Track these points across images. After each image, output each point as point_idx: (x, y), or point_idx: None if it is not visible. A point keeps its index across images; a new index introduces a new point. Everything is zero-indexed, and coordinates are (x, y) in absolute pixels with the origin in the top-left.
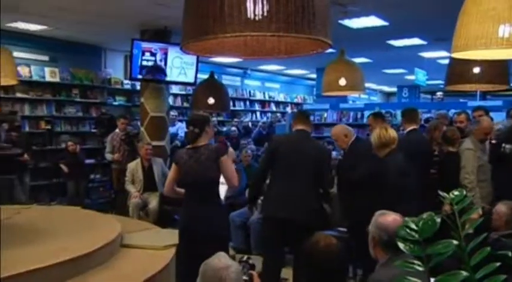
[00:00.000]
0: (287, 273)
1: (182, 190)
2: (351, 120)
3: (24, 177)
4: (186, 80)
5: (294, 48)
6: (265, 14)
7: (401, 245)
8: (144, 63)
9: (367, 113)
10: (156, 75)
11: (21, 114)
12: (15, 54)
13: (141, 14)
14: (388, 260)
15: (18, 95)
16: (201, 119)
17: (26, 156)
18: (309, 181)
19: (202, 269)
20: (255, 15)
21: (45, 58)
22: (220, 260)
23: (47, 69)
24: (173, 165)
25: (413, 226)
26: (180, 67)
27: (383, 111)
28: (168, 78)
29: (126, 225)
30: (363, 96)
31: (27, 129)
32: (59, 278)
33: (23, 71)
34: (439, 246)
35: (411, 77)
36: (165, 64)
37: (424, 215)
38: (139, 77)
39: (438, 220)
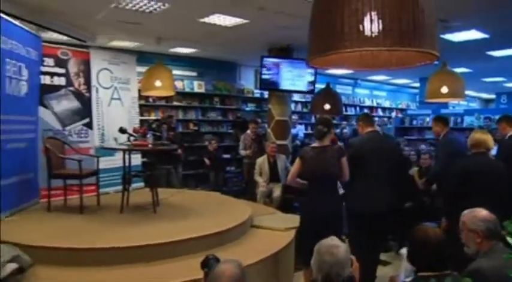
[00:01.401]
0: (389, 256)
1: (302, 181)
2: (451, 124)
3: (178, 168)
4: (303, 89)
5: (405, 60)
6: (380, 31)
7: (510, 240)
8: (266, 76)
9: (466, 118)
10: (272, 86)
11: (176, 118)
12: (174, 72)
13: (268, 36)
14: (489, 251)
15: (175, 103)
16: (328, 121)
17: (179, 151)
18: (390, 176)
19: (316, 247)
20: (371, 32)
21: (194, 74)
22: (333, 240)
23: (195, 83)
24: (298, 160)
25: None
26: (296, 78)
27: (482, 116)
28: (286, 88)
29: (255, 210)
30: (462, 102)
31: (180, 129)
32: (204, 247)
33: (179, 84)
34: None
35: (510, 85)
36: (281, 76)
37: None
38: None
39: None
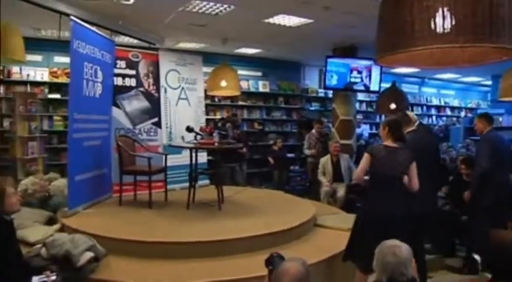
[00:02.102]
0: (457, 262)
1: (366, 177)
2: None
3: (243, 166)
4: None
5: (478, 57)
6: (453, 27)
7: None
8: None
9: None
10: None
11: (241, 117)
12: (239, 72)
13: (333, 35)
14: None
15: (240, 102)
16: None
17: (244, 149)
18: (433, 174)
19: (378, 249)
20: (443, 29)
21: (259, 74)
22: (394, 241)
23: (260, 83)
24: (368, 156)
25: None
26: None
27: None
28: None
29: (318, 209)
30: None
31: (245, 128)
32: (268, 245)
33: (244, 84)
34: None
35: None
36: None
37: None
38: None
39: None
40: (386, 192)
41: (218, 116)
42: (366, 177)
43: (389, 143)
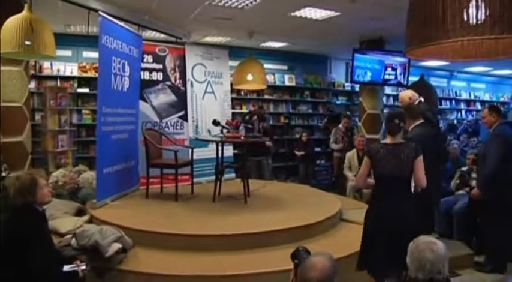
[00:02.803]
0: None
1: (372, 181)
2: None
3: (269, 160)
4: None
5: None
6: (488, 18)
7: None
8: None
9: None
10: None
11: (266, 111)
12: (265, 65)
13: (360, 28)
14: None
15: (266, 96)
16: (403, 114)
17: (270, 143)
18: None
19: (413, 245)
20: (477, 20)
21: (285, 67)
22: (430, 237)
23: (286, 76)
24: (365, 158)
25: None
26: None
27: None
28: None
29: (344, 203)
30: None
31: (271, 122)
32: (294, 239)
33: (270, 78)
34: None
35: None
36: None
37: None
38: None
39: None
40: (391, 196)
41: (244, 110)
42: (371, 180)
43: (388, 139)
